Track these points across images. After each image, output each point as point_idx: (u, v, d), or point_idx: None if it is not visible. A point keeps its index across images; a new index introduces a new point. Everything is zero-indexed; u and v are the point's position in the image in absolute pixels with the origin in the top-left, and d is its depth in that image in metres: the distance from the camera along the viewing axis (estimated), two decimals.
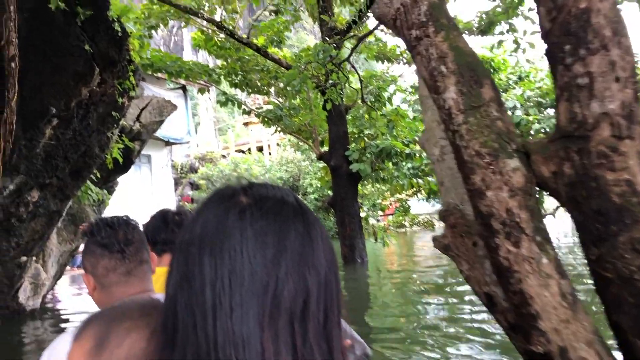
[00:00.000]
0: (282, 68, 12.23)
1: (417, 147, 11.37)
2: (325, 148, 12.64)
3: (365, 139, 12.02)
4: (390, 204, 21.15)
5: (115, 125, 6.78)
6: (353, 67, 9.34)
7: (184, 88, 23.97)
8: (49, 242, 7.96)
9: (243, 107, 12.11)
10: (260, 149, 32.49)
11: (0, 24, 3.74)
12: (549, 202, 12.16)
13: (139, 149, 10.31)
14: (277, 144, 32.58)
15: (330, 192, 26.22)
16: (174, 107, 10.57)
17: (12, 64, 3.74)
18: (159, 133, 21.93)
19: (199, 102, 36.82)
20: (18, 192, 5.99)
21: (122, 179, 20.87)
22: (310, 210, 0.70)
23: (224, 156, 28.55)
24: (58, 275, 8.55)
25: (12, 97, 3.77)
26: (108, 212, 18.86)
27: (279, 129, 12.99)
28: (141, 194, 22.05)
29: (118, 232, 1.43)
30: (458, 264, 2.45)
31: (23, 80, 5.59)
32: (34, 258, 7.03)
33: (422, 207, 34.15)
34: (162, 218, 2.23)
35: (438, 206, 31.99)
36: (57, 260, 8.06)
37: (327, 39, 10.44)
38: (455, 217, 2.56)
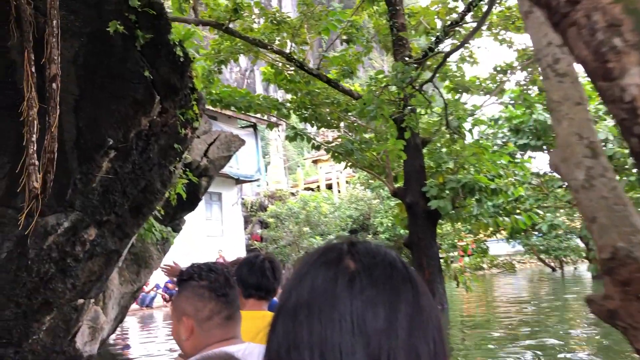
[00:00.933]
0: (353, 100, 11.66)
1: (503, 182, 10.32)
2: (400, 184, 11.81)
3: (444, 173, 11.11)
4: (467, 244, 19.87)
5: (177, 158, 6.33)
6: (437, 88, 8.47)
7: (254, 126, 24.02)
8: (110, 283, 7.56)
9: (312, 141, 11.57)
10: (329, 187, 32.00)
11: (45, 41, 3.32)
12: None
13: (206, 185, 9.94)
14: (347, 182, 31.96)
15: (403, 232, 25.18)
16: (242, 142, 10.19)
17: (54, 85, 3.30)
18: (229, 171, 21.92)
19: (269, 142, 37.15)
20: (73, 229, 5.58)
21: (191, 217, 20.86)
22: (418, 276, 0.68)
23: (293, 194, 28.24)
24: (119, 318, 8.13)
25: (53, 122, 3.32)
26: (176, 252, 18.71)
27: (349, 164, 12.33)
28: (211, 232, 21.93)
29: (221, 276, 1.46)
30: (633, 339, 1.75)
31: (78, 109, 5.22)
32: (92, 300, 6.60)
33: (501, 247, 32.25)
34: (254, 263, 2.20)
35: (519, 247, 30.12)
36: (117, 302, 7.63)
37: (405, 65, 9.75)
38: (629, 270, 1.78)
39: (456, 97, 9.43)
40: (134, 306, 17.13)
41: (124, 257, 7.93)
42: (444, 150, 11.26)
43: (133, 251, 8.01)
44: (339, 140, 12.12)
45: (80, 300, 6.34)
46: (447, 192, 10.31)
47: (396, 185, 11.65)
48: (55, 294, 5.90)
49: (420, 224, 10.68)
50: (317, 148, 11.82)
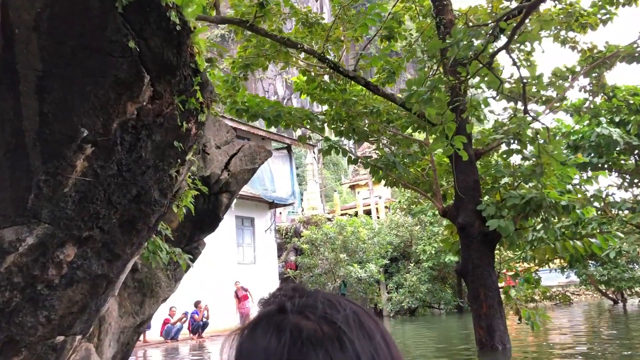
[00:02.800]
0: (394, 109, 10.34)
1: (575, 197, 8.73)
2: (450, 202, 10.34)
3: (501, 189, 9.60)
4: (518, 273, 17.98)
5: (179, 160, 5.11)
6: (513, 59, 6.80)
7: (289, 148, 22.95)
8: (107, 315, 6.34)
9: (349, 154, 10.26)
10: (368, 213, 30.50)
11: None
12: None
13: (227, 202, 8.75)
14: (386, 207, 30.41)
15: (449, 260, 23.41)
16: (268, 153, 8.99)
17: None
18: (262, 194, 20.82)
19: (306, 169, 36.08)
20: (42, 247, 4.39)
21: (222, 243, 19.75)
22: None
23: (329, 219, 26.86)
24: (120, 358, 6.87)
25: None
26: (201, 280, 17.46)
27: (390, 181, 10.94)
28: (243, 260, 20.74)
29: None
30: None
31: (42, 90, 4.08)
32: (79, 337, 5.37)
33: (552, 278, 29.86)
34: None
35: (573, 277, 27.65)
36: (116, 338, 6.40)
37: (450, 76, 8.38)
38: None
39: (535, 74, 7.80)
40: (159, 338, 15.94)
41: (125, 284, 6.73)
42: (500, 162, 9.77)
43: (137, 278, 6.81)
44: (378, 154, 10.76)
45: (60, 338, 5.12)
46: (507, 210, 8.78)
47: (445, 205, 10.17)
48: (23, 329, 4.70)
49: (475, 248, 9.16)
50: (355, 162, 10.51)
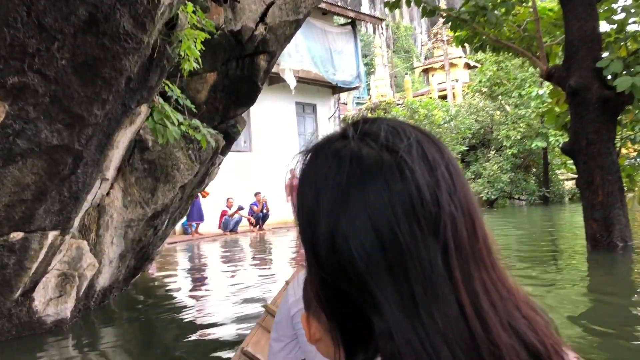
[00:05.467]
0: None
1: None
2: (555, 62, 7.99)
3: (630, 40, 7.14)
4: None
5: None
6: None
7: (353, 24, 20.37)
8: (109, 206, 4.93)
9: (423, 4, 7.95)
10: (443, 98, 27.82)
11: None
12: None
13: (265, 66, 6.90)
14: (464, 91, 27.56)
15: (536, 146, 20.84)
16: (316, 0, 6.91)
17: None
18: (324, 77, 18.79)
19: (375, 54, 33.23)
20: None
21: (282, 132, 18.23)
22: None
23: (399, 104, 24.54)
24: (131, 258, 5.53)
25: None
26: (256, 172, 16.14)
27: (477, 40, 8.63)
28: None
29: None
30: None
31: None
32: (54, 233, 3.97)
33: None
34: None
35: None
36: (122, 233, 5.02)
37: None
38: None
39: None
40: (217, 230, 15.12)
41: (132, 167, 5.24)
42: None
43: (147, 157, 5.28)
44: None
45: (16, 235, 3.70)
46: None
47: (551, 65, 7.83)
48: None
49: (591, 118, 6.94)
50: (431, 14, 8.20)
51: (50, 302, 4.12)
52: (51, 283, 4.17)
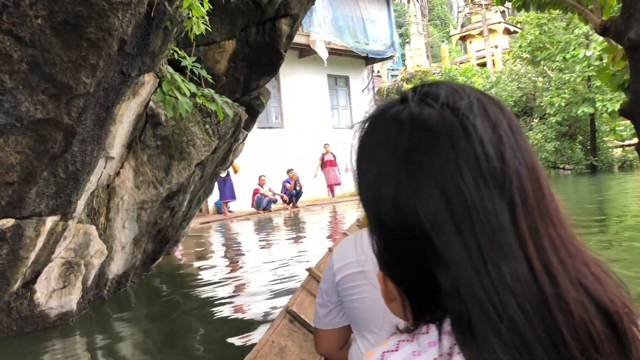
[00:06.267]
0: None
1: None
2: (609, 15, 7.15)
3: None
4: None
5: None
6: None
7: None
8: (119, 187, 4.53)
9: None
10: (482, 66, 26.58)
11: None
12: None
13: (288, 32, 6.33)
14: (504, 58, 26.26)
15: (582, 111, 19.67)
16: None
17: None
18: (356, 47, 18.04)
19: (410, 23, 32.05)
20: None
21: (314, 105, 17.66)
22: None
23: (436, 74, 23.55)
24: (147, 243, 5.14)
25: None
26: (285, 148, 15.70)
27: (519, 1, 7.82)
28: (338, 124, 18.67)
29: None
30: None
31: None
32: (53, 218, 3.59)
33: None
34: None
35: None
36: (134, 216, 4.63)
37: None
38: None
39: None
40: (250, 209, 14.80)
41: (144, 143, 4.82)
42: None
43: (160, 133, 4.86)
44: None
45: (6, 222, 3.33)
46: None
47: (605, 18, 7.00)
48: None
49: None
50: None
51: (53, 293, 3.77)
52: (54, 273, 3.81)
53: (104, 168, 4.14)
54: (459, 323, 0.51)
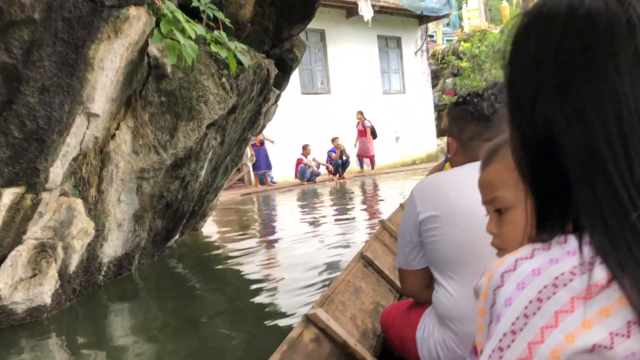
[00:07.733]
0: None
1: None
2: None
3: None
4: None
5: None
6: None
7: None
8: (113, 151, 3.74)
9: None
10: None
11: None
12: None
13: None
14: None
15: None
16: None
17: None
18: (409, 4, 16.69)
19: None
20: None
21: (363, 70, 16.51)
22: None
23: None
24: (154, 219, 4.36)
25: None
26: (334, 115, 14.66)
27: None
28: (389, 89, 17.47)
29: (485, 101, 1.51)
30: None
31: None
32: (17, 190, 2.83)
33: None
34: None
35: None
36: (133, 188, 3.85)
37: None
38: None
39: None
40: (294, 180, 14.00)
41: (145, 99, 3.99)
42: None
43: (165, 87, 4.01)
44: None
45: None
46: None
47: None
48: None
49: None
50: None
51: (19, 284, 3.04)
52: (22, 258, 3.08)
53: (87, 128, 3.34)
54: (592, 222, 0.50)
